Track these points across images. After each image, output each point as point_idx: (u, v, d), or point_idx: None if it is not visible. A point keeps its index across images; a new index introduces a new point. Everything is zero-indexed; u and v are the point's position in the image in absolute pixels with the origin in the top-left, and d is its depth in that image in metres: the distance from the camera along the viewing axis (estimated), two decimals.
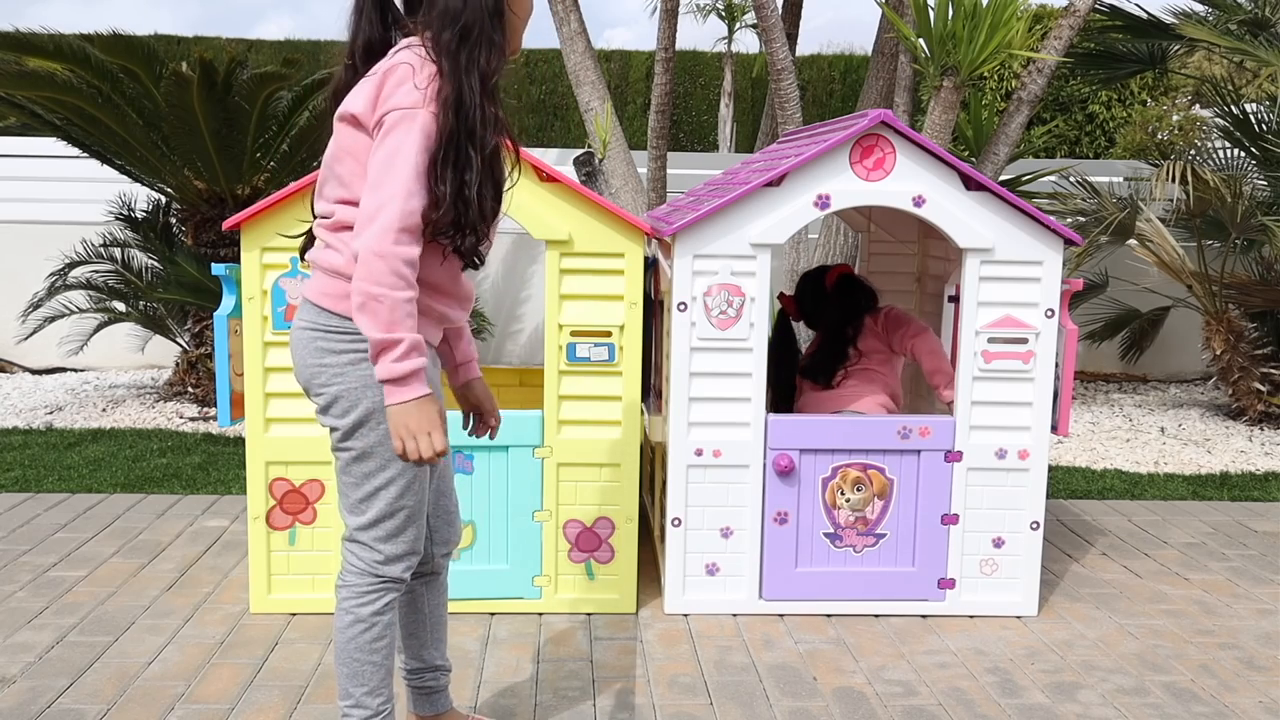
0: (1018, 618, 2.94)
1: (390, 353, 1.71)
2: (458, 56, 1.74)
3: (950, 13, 4.26)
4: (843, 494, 2.88)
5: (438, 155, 1.73)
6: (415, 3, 1.84)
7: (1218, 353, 5.58)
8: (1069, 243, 2.82)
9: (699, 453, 2.84)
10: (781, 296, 3.38)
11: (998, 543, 2.91)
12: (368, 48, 1.85)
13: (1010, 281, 2.81)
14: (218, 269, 2.73)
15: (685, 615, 2.90)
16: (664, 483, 2.97)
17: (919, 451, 2.86)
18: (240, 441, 4.67)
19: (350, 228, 1.79)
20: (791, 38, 5.69)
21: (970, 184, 2.78)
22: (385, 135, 1.73)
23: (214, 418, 5.24)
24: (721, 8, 13.46)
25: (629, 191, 4.98)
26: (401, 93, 1.73)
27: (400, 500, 1.86)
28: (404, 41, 1.81)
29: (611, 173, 4.95)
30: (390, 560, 1.88)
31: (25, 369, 6.58)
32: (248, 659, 2.59)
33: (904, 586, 2.92)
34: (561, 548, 2.87)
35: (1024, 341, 2.83)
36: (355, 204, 1.79)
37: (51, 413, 5.34)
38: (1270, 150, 5.59)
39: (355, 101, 1.79)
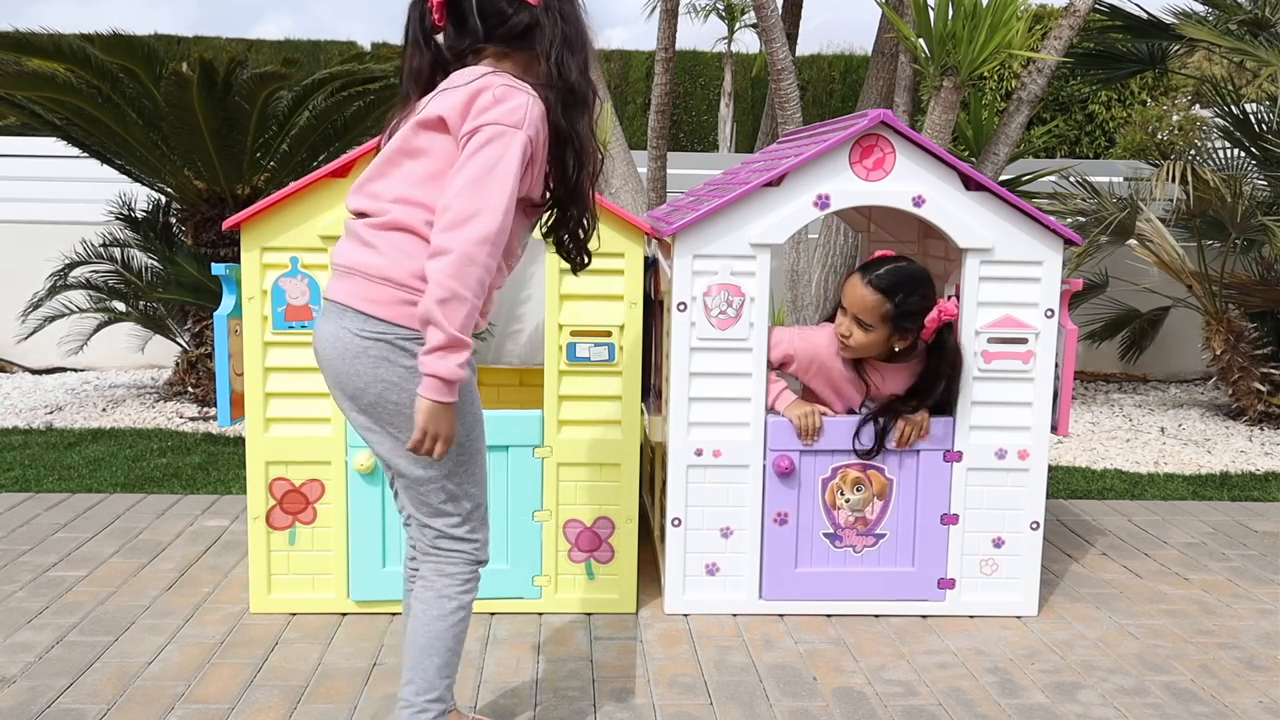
0: (1018, 618, 2.94)
1: (455, 354, 1.75)
2: (582, 110, 1.88)
3: (950, 13, 4.26)
4: (842, 494, 2.88)
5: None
6: (489, 33, 1.88)
7: (1218, 353, 5.58)
8: (1069, 243, 2.82)
9: (699, 453, 2.84)
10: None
11: (998, 543, 2.91)
12: (416, 75, 1.91)
13: (1010, 281, 2.81)
14: (218, 269, 2.73)
15: (685, 615, 2.90)
16: (664, 483, 2.97)
17: (919, 451, 2.86)
18: (240, 441, 4.67)
19: (404, 230, 1.82)
20: (791, 38, 5.69)
21: (970, 184, 2.78)
22: (484, 145, 1.77)
23: (214, 418, 5.24)
24: (721, 8, 13.48)
25: (629, 191, 4.98)
26: (501, 110, 1.78)
27: (477, 489, 1.97)
28: (483, 68, 1.86)
29: (611, 173, 4.96)
30: (483, 545, 1.99)
31: (25, 369, 6.58)
32: (248, 659, 2.59)
33: (904, 586, 2.92)
34: (561, 548, 2.87)
35: (1024, 341, 2.83)
36: (419, 206, 1.82)
37: (51, 413, 5.34)
38: (1270, 150, 5.59)
39: (442, 105, 1.82)
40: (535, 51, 1.88)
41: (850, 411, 2.95)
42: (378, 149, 1.98)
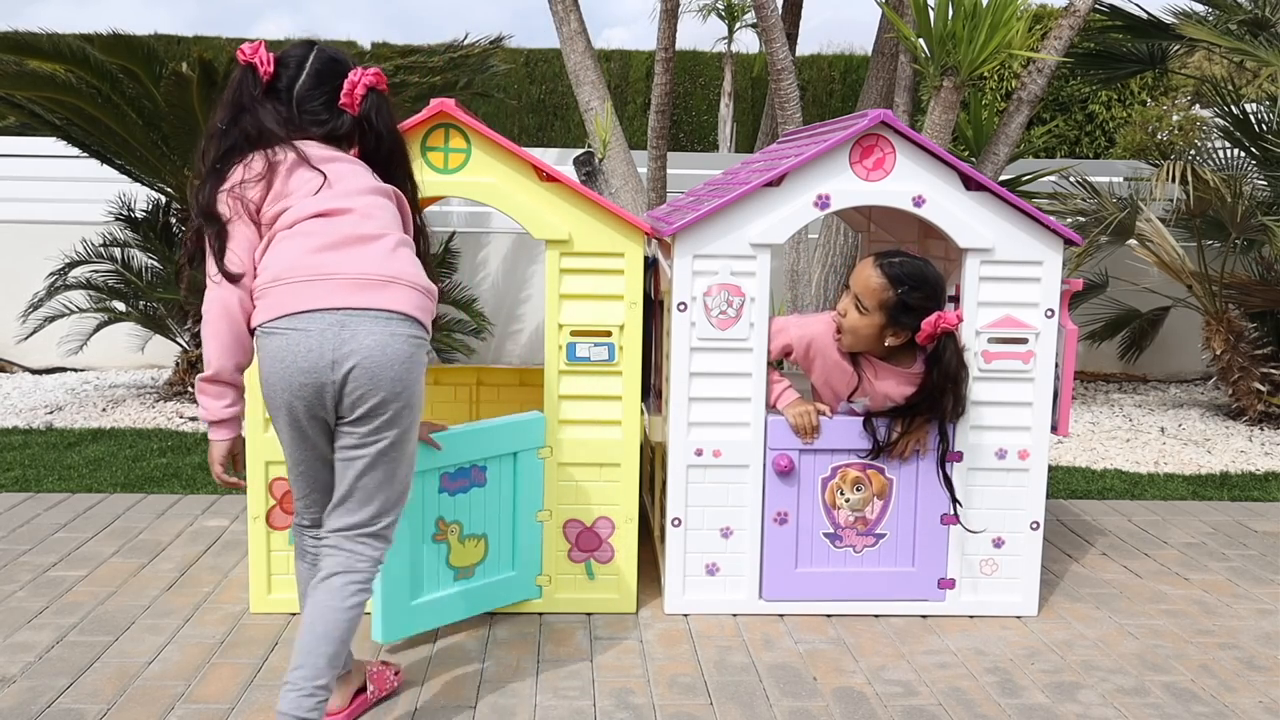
0: (1018, 618, 2.94)
1: None
2: None
3: (950, 13, 4.26)
4: (842, 494, 2.88)
5: None
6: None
7: (1218, 353, 5.58)
8: (1069, 243, 2.82)
9: (699, 453, 2.84)
10: None
11: (998, 543, 2.91)
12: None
13: (1010, 281, 2.81)
14: None
15: (685, 615, 2.90)
16: (664, 483, 2.97)
17: (919, 451, 2.85)
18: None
19: (409, 248, 2.13)
20: (791, 37, 5.69)
21: (970, 184, 2.78)
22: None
23: None
24: (721, 7, 13.46)
25: (629, 191, 4.98)
26: None
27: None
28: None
29: (611, 172, 4.95)
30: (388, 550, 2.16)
31: (25, 369, 6.58)
32: (248, 659, 2.59)
33: (904, 586, 2.92)
34: (561, 548, 2.87)
35: (1024, 341, 2.83)
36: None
37: (51, 412, 5.34)
38: (1270, 150, 5.59)
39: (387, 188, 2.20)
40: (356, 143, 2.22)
41: (845, 403, 2.94)
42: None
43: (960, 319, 2.76)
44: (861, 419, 2.85)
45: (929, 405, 2.78)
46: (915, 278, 2.76)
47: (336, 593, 2.03)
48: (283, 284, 2.01)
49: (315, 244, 2.03)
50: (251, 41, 2.14)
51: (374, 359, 1.98)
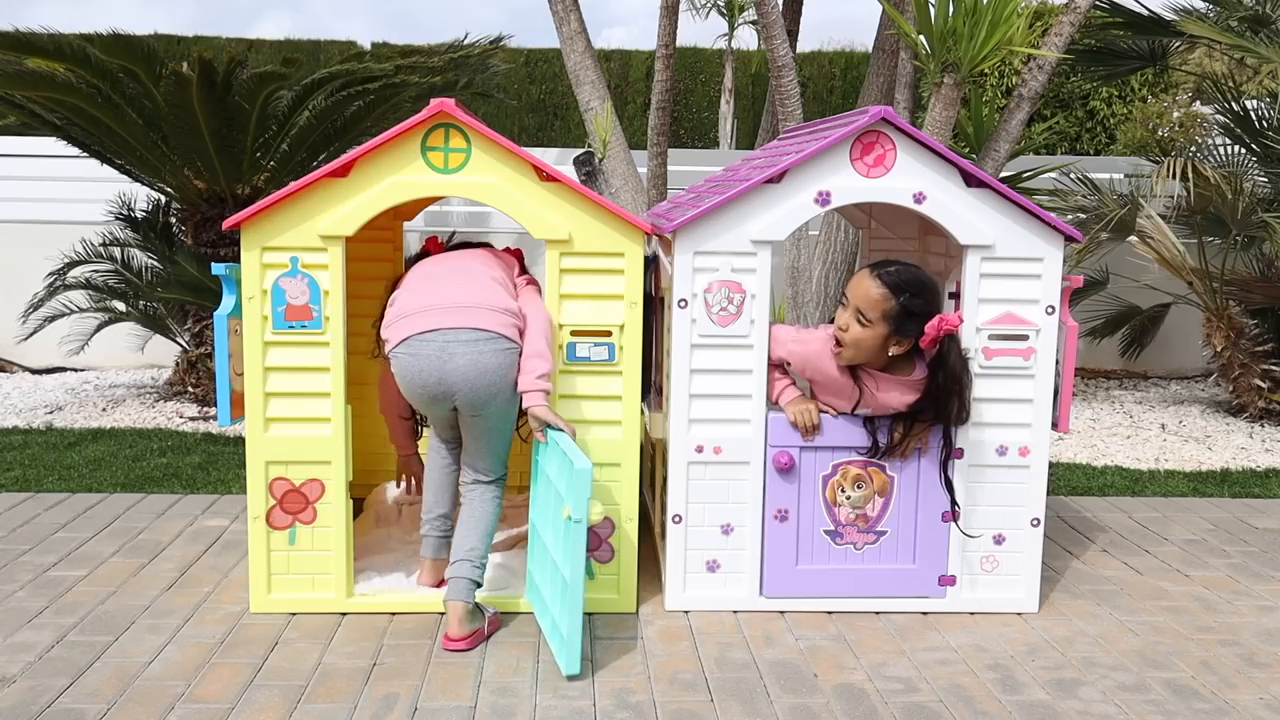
0: (1018, 614, 2.93)
1: None
2: None
3: (951, 9, 4.26)
4: (843, 491, 2.87)
5: None
6: None
7: (1218, 349, 5.58)
8: (1070, 239, 2.82)
9: (700, 449, 2.84)
10: None
11: (998, 539, 2.91)
12: None
13: (1011, 278, 2.81)
14: (218, 268, 2.73)
15: (686, 612, 2.90)
16: (665, 480, 2.96)
17: (919, 448, 2.85)
18: (240, 441, 4.67)
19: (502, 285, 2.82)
20: (792, 34, 5.68)
21: (971, 180, 2.78)
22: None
23: (214, 417, 5.24)
24: (722, 4, 13.46)
25: (629, 191, 4.98)
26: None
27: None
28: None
29: (611, 172, 4.95)
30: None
31: (25, 369, 6.59)
32: (248, 659, 2.59)
33: (905, 583, 2.92)
34: None
35: (1025, 338, 2.83)
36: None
37: (51, 412, 5.34)
38: (1270, 147, 5.59)
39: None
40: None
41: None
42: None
43: (961, 320, 2.75)
44: (862, 419, 2.85)
45: (934, 410, 2.76)
46: (914, 284, 2.72)
47: (489, 501, 2.80)
48: (400, 319, 2.69)
49: (419, 285, 2.76)
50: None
51: (471, 376, 2.61)
